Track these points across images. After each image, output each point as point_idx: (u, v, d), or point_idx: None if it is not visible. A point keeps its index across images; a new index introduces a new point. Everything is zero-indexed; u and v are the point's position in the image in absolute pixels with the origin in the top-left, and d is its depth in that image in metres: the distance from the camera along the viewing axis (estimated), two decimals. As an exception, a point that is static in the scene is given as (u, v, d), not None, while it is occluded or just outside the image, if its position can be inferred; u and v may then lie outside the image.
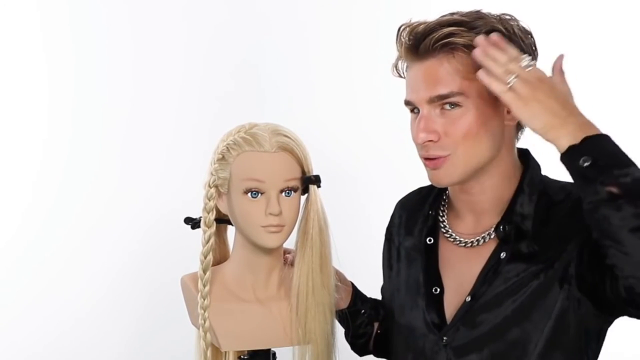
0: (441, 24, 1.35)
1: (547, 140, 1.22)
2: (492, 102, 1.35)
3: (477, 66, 1.29)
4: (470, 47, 1.32)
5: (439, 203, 1.52)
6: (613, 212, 1.16)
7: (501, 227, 1.40)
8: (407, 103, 1.41)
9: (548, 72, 1.28)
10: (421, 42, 1.35)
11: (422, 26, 1.36)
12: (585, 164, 1.17)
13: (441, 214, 1.50)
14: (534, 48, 1.39)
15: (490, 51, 1.25)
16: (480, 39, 1.27)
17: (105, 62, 2.28)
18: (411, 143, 1.43)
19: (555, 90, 1.23)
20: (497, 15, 1.37)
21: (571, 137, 1.19)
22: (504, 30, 1.34)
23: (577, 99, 1.28)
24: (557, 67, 1.29)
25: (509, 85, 1.22)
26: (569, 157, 1.20)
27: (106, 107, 2.28)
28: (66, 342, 2.20)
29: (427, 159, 1.38)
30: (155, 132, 2.33)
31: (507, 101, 1.23)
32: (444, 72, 1.34)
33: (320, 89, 2.41)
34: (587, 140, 1.18)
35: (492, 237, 1.41)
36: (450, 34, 1.33)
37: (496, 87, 1.24)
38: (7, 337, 2.14)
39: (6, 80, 2.17)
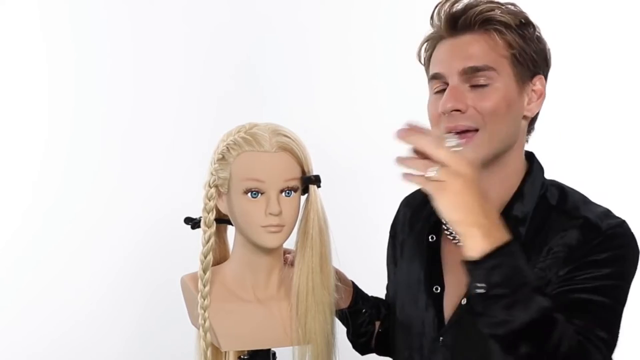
0: (482, 1, 1.38)
1: (455, 231, 1.22)
2: (518, 87, 1.37)
3: (510, 46, 1.35)
4: (507, 27, 1.36)
5: None
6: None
7: None
8: (435, 77, 1.40)
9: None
10: (461, 16, 1.37)
11: (463, 1, 1.39)
12: (478, 291, 1.15)
13: None
14: (551, 58, 1.42)
15: (412, 138, 1.14)
16: (399, 131, 1.15)
17: (106, 62, 2.28)
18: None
19: (475, 181, 1.15)
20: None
21: (476, 245, 1.14)
22: (535, 26, 1.39)
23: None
24: None
25: (430, 177, 1.13)
26: (468, 269, 1.17)
27: (106, 107, 2.28)
28: (66, 342, 2.20)
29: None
30: (156, 133, 2.33)
31: (429, 190, 1.15)
32: (480, 47, 1.36)
33: (320, 89, 2.41)
34: (487, 258, 1.14)
35: None
36: (492, 9, 1.37)
37: (418, 181, 1.15)
38: (7, 337, 2.14)
39: (6, 80, 2.18)
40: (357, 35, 2.38)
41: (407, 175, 1.16)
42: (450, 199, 1.14)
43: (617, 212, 1.38)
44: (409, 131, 1.15)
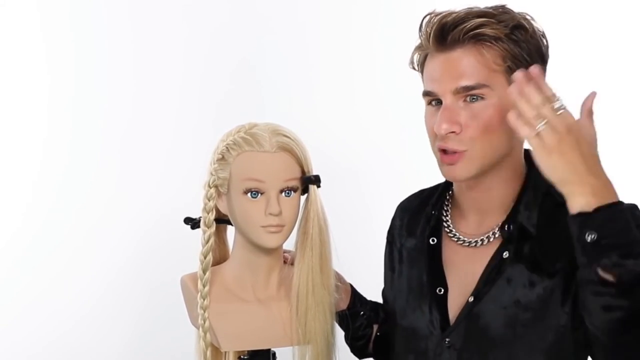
0: (471, 14, 1.35)
1: (561, 191, 1.20)
2: None
3: (503, 59, 1.32)
4: (498, 40, 1.33)
5: (442, 203, 1.52)
6: (598, 297, 1.18)
7: (506, 227, 1.40)
8: (427, 94, 1.40)
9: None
10: (450, 32, 1.34)
11: (452, 16, 1.36)
12: (589, 238, 1.16)
13: (444, 214, 1.50)
14: (548, 51, 1.40)
15: (526, 89, 1.20)
16: (518, 75, 1.22)
17: (106, 62, 2.28)
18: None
19: (580, 142, 1.18)
20: (520, 13, 1.38)
21: (584, 201, 1.17)
22: (527, 27, 1.36)
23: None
24: (587, 109, 1.23)
25: (537, 132, 1.18)
26: (577, 224, 1.18)
27: (106, 107, 2.28)
28: (66, 342, 2.20)
29: (443, 154, 1.37)
30: (156, 133, 2.32)
31: (532, 146, 1.20)
32: (471, 64, 1.34)
33: (320, 89, 2.41)
34: (598, 211, 1.16)
35: (496, 236, 1.41)
36: (481, 25, 1.33)
37: (524, 132, 1.20)
38: (7, 337, 2.14)
39: (6, 80, 2.17)
40: (357, 35, 2.38)
41: (517, 121, 1.20)
42: (555, 160, 1.18)
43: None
44: (527, 80, 1.19)
